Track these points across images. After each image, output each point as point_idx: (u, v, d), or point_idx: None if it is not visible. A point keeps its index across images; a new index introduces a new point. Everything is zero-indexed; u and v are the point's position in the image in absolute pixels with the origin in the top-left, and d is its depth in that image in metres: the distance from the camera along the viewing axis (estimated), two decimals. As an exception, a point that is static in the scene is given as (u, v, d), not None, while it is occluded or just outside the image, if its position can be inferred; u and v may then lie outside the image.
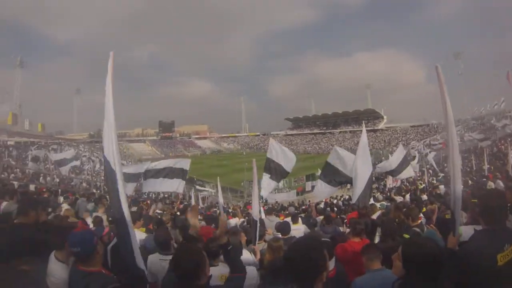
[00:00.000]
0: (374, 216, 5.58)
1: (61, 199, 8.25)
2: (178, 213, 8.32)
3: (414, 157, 19.68)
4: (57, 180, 16.50)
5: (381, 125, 74.60)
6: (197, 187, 19.97)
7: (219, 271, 2.67)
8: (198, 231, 3.38)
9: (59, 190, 11.48)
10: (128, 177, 11.35)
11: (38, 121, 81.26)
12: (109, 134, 2.33)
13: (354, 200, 6.34)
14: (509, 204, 3.27)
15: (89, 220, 5.27)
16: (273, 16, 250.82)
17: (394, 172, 11.70)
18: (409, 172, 11.87)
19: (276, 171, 7.89)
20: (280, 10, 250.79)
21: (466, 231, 2.51)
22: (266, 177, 7.81)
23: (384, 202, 7.72)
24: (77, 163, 20.92)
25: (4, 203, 5.37)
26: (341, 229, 5.60)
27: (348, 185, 23.97)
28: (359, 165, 6.36)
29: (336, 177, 8.36)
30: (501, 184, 8.21)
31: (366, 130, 8.17)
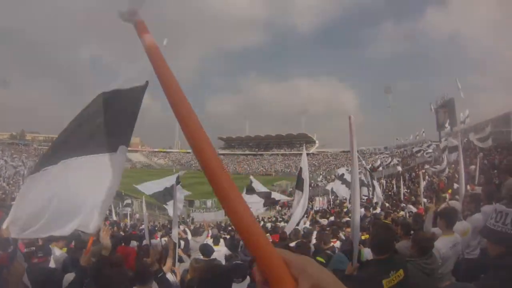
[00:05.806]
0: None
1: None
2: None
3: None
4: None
5: (313, 150, 75.95)
6: (125, 202, 18.52)
7: None
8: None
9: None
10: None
11: None
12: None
13: (293, 226, 6.59)
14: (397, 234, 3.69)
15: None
16: (222, 36, 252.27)
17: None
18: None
19: None
20: (231, 30, 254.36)
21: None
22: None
23: (307, 226, 7.87)
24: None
25: None
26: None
27: (278, 207, 24.86)
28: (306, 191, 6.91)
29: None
30: (412, 208, 8.88)
31: (298, 153, 8.68)
